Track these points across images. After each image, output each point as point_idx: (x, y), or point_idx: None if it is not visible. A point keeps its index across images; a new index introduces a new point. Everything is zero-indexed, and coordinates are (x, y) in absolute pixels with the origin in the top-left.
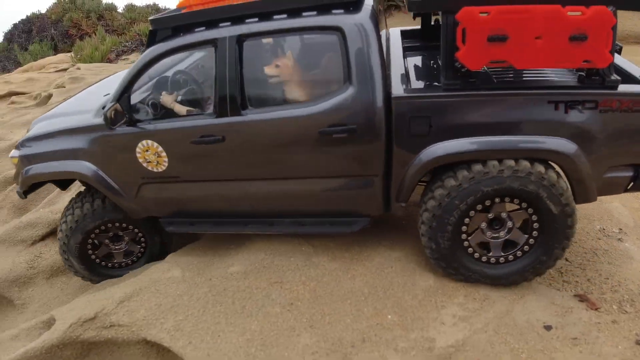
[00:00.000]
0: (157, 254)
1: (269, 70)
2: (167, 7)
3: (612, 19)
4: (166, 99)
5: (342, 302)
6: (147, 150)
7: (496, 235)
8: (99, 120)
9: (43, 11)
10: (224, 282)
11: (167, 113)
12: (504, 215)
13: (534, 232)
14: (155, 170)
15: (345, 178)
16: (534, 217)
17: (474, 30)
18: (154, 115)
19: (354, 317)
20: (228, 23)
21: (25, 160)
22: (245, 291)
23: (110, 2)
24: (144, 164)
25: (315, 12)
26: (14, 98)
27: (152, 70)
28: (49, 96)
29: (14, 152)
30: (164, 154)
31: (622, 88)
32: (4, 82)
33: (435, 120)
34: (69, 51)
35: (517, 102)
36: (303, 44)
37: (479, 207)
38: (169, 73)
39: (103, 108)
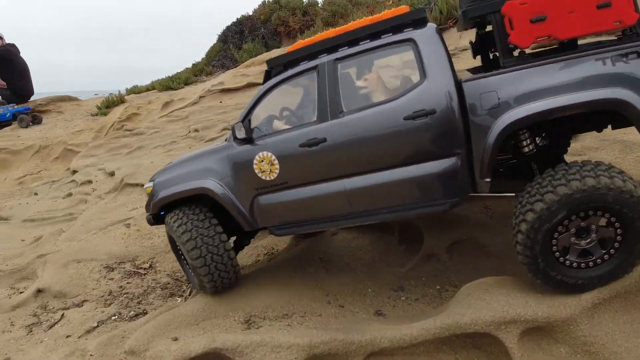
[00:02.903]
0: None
1: (360, 83)
2: None
3: None
4: (277, 123)
5: None
6: (262, 161)
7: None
8: (223, 143)
9: (251, 13)
10: None
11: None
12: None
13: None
14: (267, 178)
15: (432, 162)
16: (617, 225)
17: (518, 17)
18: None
19: None
20: (325, 54)
21: (157, 187)
22: None
23: None
24: (259, 174)
25: (390, 33)
26: None
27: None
28: None
29: (148, 184)
30: (276, 161)
31: None
32: (240, 74)
33: (501, 93)
34: (279, 47)
35: (569, 64)
36: (383, 60)
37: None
38: (277, 113)
39: (226, 140)
